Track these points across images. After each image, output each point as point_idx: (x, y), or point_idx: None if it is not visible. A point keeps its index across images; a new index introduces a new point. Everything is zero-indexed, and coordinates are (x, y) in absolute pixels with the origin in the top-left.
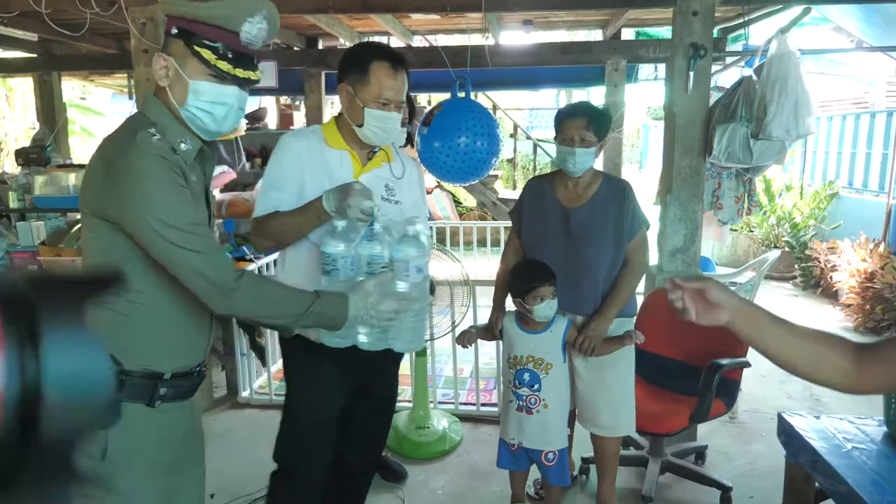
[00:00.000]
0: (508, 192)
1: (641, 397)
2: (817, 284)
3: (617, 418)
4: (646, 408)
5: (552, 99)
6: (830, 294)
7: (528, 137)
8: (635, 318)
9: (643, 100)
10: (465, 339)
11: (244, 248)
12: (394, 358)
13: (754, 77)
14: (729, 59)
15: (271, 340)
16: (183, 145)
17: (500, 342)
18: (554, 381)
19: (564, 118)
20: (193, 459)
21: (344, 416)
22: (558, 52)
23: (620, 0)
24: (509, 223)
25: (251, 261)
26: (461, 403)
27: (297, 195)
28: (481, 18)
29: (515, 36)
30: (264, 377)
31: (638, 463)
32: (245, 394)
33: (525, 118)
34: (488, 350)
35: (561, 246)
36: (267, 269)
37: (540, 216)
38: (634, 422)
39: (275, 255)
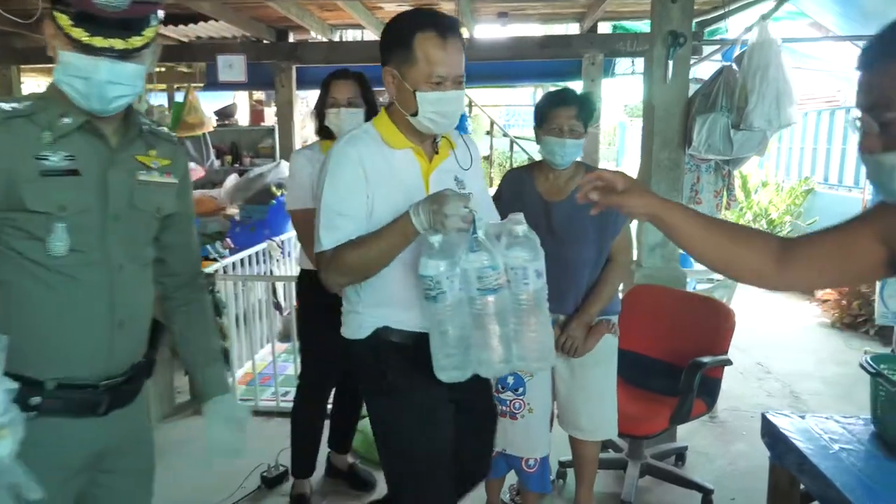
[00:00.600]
0: None
1: (621, 399)
2: None
3: (598, 421)
4: (625, 409)
5: (529, 96)
6: (806, 290)
7: (505, 135)
8: (618, 316)
9: (620, 97)
10: None
11: (207, 247)
12: None
13: (735, 66)
14: (708, 50)
15: (237, 343)
16: (64, 119)
17: None
18: (539, 385)
19: (552, 107)
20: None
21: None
22: (536, 45)
23: None
24: None
25: (215, 260)
26: None
27: (368, 215)
28: (456, 11)
29: (491, 29)
30: (229, 382)
31: (617, 466)
32: None
33: (502, 115)
34: None
35: (542, 241)
36: (233, 269)
37: (520, 210)
38: (616, 425)
39: (242, 255)
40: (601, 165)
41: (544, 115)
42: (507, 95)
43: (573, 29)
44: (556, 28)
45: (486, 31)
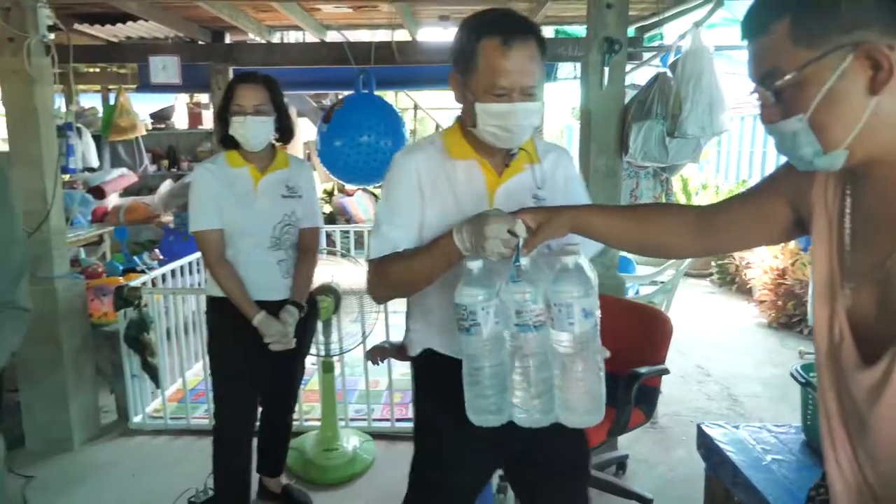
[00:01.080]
0: None
1: None
2: (733, 281)
3: None
4: None
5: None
6: (745, 291)
7: None
8: None
9: (564, 100)
10: (376, 355)
11: (136, 257)
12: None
13: (669, 73)
14: (645, 55)
15: (167, 359)
16: None
17: None
18: None
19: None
20: None
21: (525, 491)
22: None
23: None
24: None
25: (143, 272)
26: (375, 420)
27: (418, 227)
28: (398, 13)
29: (432, 32)
30: (159, 400)
31: None
32: (137, 419)
33: (448, 118)
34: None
35: None
36: (163, 281)
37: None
38: None
39: (173, 265)
40: None
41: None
42: (452, 98)
43: None
44: None
45: (429, 33)
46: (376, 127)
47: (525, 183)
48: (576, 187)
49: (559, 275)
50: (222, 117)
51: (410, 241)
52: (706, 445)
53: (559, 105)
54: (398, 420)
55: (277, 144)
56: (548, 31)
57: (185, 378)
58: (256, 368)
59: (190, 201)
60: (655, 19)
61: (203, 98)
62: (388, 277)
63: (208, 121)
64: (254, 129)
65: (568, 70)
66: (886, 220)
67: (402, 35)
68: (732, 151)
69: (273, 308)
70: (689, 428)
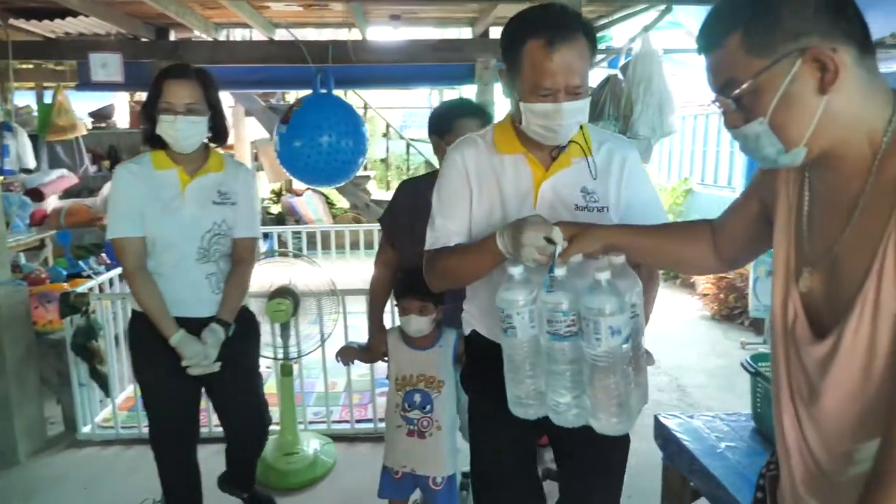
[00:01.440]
0: (382, 192)
1: None
2: (676, 276)
3: None
4: None
5: (425, 98)
6: (689, 285)
7: (401, 137)
8: None
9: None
10: (345, 355)
11: (82, 262)
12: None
13: (620, 76)
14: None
15: (117, 366)
16: None
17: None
18: (446, 400)
19: (457, 118)
20: None
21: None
22: (429, 49)
23: None
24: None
25: (89, 277)
26: (334, 422)
27: (469, 219)
28: (349, 13)
29: (383, 32)
30: (108, 409)
31: None
32: (86, 429)
33: (398, 117)
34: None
35: None
36: (111, 286)
37: (416, 224)
38: None
39: (121, 269)
40: None
41: (448, 126)
42: (402, 97)
43: (466, 33)
44: (449, 32)
45: (379, 33)
46: (336, 127)
47: (573, 177)
48: (636, 179)
49: (591, 290)
50: (149, 114)
51: (462, 233)
52: (663, 436)
53: (507, 104)
54: (358, 421)
55: (212, 145)
56: (497, 33)
57: (136, 385)
58: (185, 390)
59: (109, 205)
60: (603, 21)
61: (142, 96)
62: (439, 270)
63: None
64: (185, 130)
65: None
66: (836, 208)
67: (344, 34)
68: (675, 151)
69: (201, 326)
70: (642, 419)
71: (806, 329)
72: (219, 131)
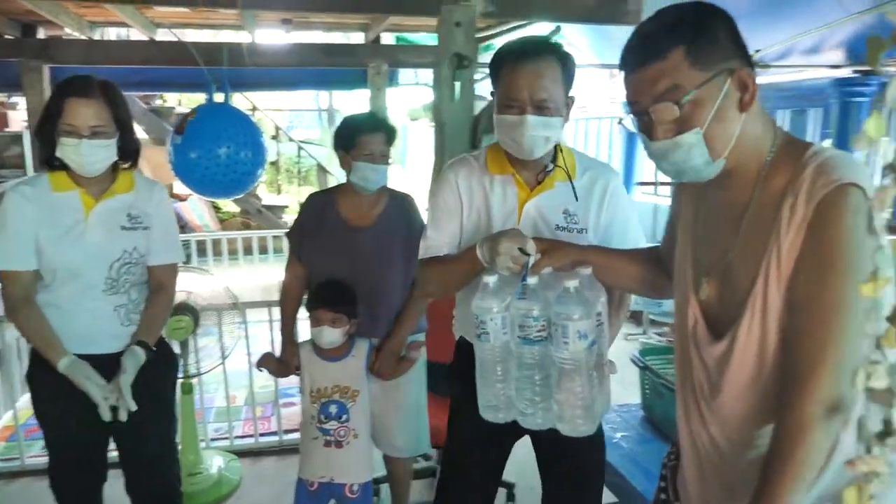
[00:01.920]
0: (273, 197)
1: (432, 411)
2: None
3: (412, 437)
4: (438, 422)
5: (312, 100)
6: None
7: (291, 139)
8: (425, 333)
9: (404, 103)
10: (266, 363)
11: None
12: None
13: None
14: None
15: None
16: None
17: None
18: (361, 409)
19: (363, 133)
20: None
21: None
22: (320, 53)
23: (387, 6)
24: (276, 231)
25: None
26: (237, 437)
27: (457, 235)
28: (236, 14)
29: (273, 35)
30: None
31: (429, 474)
32: None
33: (285, 119)
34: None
35: (350, 270)
36: None
37: (323, 238)
38: (429, 439)
39: None
40: None
41: (353, 142)
42: (289, 98)
43: (358, 38)
44: (341, 36)
45: (270, 36)
46: (235, 138)
47: (556, 199)
48: (617, 203)
49: (560, 297)
50: (46, 135)
51: (451, 245)
52: None
53: (398, 108)
54: (262, 435)
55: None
56: (388, 38)
57: (17, 410)
58: (92, 433)
59: None
60: (490, 32)
61: (11, 97)
62: (428, 278)
63: (16, 123)
64: (90, 155)
65: (409, 76)
66: (727, 222)
67: (227, 36)
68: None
69: (110, 363)
70: None
71: (705, 332)
72: (129, 151)
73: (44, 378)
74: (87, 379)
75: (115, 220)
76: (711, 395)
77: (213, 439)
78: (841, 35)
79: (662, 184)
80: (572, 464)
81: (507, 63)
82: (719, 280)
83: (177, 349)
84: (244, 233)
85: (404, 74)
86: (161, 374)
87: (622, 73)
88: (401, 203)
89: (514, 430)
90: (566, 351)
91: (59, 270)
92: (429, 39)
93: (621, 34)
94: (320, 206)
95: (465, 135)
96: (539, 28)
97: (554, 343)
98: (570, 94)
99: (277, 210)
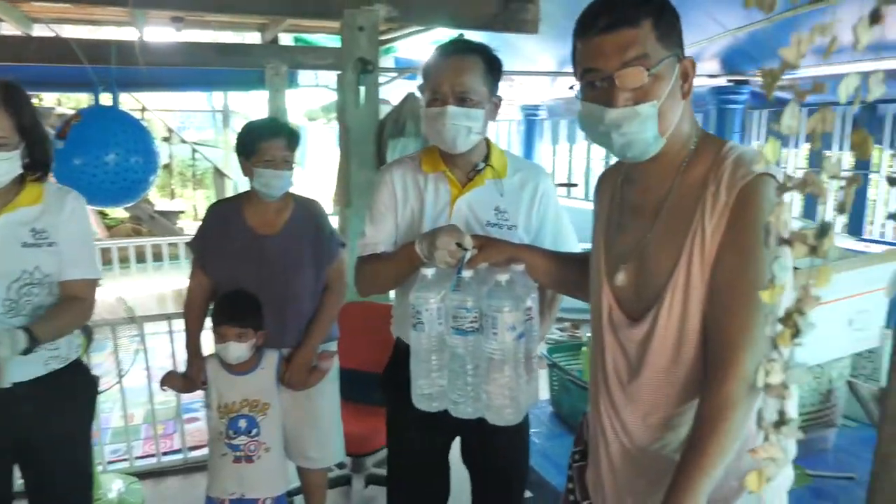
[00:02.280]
0: (166, 202)
1: (346, 419)
2: None
3: (326, 448)
4: (352, 429)
5: (204, 100)
6: None
7: (184, 141)
8: (337, 341)
9: (303, 104)
10: (170, 383)
11: None
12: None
13: (418, 94)
14: (393, 74)
15: None
16: None
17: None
18: (272, 422)
19: (265, 139)
20: None
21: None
22: (215, 52)
23: (289, 9)
24: (172, 239)
25: None
26: (137, 458)
27: (393, 233)
28: (122, 11)
29: (162, 33)
30: None
31: (343, 483)
32: None
33: (176, 119)
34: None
35: (257, 279)
36: None
37: (229, 247)
38: (343, 447)
39: None
40: None
41: (254, 148)
42: (180, 99)
43: (253, 38)
44: (234, 36)
45: (158, 34)
46: (124, 143)
47: (486, 196)
48: (547, 204)
49: (491, 290)
50: None
51: (388, 243)
52: None
53: (297, 109)
54: (164, 454)
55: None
56: (287, 39)
57: None
58: None
59: None
60: (391, 35)
61: None
62: (364, 275)
63: None
64: None
65: (309, 78)
66: (644, 211)
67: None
68: None
69: (9, 395)
70: None
71: (622, 316)
72: (37, 160)
73: None
74: None
75: (15, 237)
76: (629, 379)
77: (110, 462)
78: (717, 47)
79: (569, 185)
80: (498, 464)
81: (433, 60)
82: (636, 265)
83: None
84: (136, 240)
85: (304, 76)
86: (78, 402)
87: (580, 38)
88: (308, 209)
89: (448, 428)
90: (495, 342)
91: None
92: (328, 41)
93: (520, 42)
94: (225, 215)
95: (370, 139)
96: (442, 33)
97: (484, 334)
98: (498, 94)
99: (171, 216)
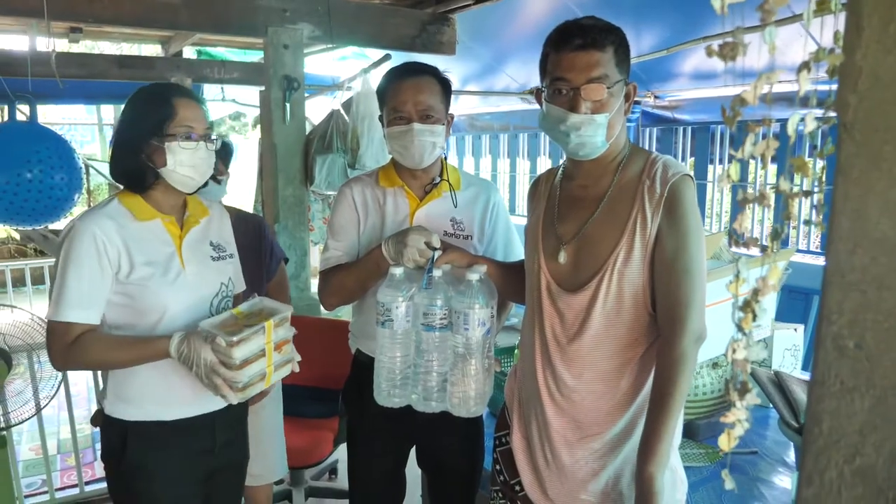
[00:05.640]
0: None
1: (286, 433)
2: None
3: (269, 464)
4: (293, 443)
5: (87, 112)
6: None
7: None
8: None
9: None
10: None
11: None
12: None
13: (343, 111)
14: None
15: None
16: None
17: None
18: None
19: None
20: None
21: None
22: (115, 64)
23: (213, 26)
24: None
25: None
26: (58, 489)
27: (356, 245)
28: (12, 21)
29: (56, 44)
30: None
31: (283, 497)
32: None
33: (62, 133)
34: (82, 413)
35: None
36: None
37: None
38: (286, 462)
39: None
40: None
41: None
42: (65, 111)
43: (152, 50)
44: (135, 48)
45: (51, 44)
46: (46, 160)
47: (443, 208)
48: (498, 217)
49: (464, 288)
50: None
51: (351, 255)
52: None
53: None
54: (87, 483)
55: None
56: (189, 52)
57: None
58: None
59: None
60: (310, 49)
61: None
62: (330, 286)
63: None
64: None
65: (215, 91)
66: (585, 203)
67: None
68: None
69: None
70: None
71: (559, 289)
72: None
73: None
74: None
75: None
76: (568, 340)
77: (27, 496)
78: None
79: None
80: (456, 459)
81: (392, 83)
82: (578, 246)
83: None
84: (19, 262)
85: (210, 90)
86: None
87: (555, 51)
88: (251, 224)
89: (408, 434)
90: (466, 336)
91: None
92: (232, 55)
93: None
94: None
95: (297, 157)
96: (348, 51)
97: (455, 329)
98: (450, 112)
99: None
